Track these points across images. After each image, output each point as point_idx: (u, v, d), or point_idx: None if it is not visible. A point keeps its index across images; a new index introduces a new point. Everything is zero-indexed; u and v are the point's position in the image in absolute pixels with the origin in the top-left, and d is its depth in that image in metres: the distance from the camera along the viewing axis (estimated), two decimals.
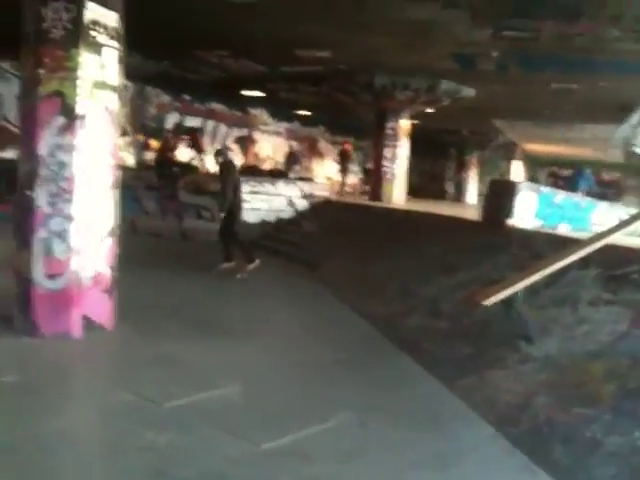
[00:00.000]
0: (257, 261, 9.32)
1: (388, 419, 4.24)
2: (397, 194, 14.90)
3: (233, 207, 9.22)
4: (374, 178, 15.56)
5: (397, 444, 3.91)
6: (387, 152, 14.84)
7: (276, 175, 16.53)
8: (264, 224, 13.17)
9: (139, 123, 17.74)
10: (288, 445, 3.73)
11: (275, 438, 3.75)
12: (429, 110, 15.31)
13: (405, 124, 15.01)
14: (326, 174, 23.81)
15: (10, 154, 15.11)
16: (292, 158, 22.46)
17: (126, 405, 4.12)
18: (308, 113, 21.13)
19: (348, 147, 21.01)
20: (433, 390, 4.97)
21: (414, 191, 18.04)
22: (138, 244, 9.15)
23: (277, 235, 12.66)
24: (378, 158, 15.10)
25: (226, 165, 9.56)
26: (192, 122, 19.45)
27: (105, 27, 5.48)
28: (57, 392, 4.32)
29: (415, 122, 16.31)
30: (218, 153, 10.08)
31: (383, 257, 9.07)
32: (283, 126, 22.99)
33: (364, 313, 7.21)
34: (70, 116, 5.26)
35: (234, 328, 6.46)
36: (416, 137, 16.10)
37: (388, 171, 14.87)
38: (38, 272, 5.30)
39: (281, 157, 22.53)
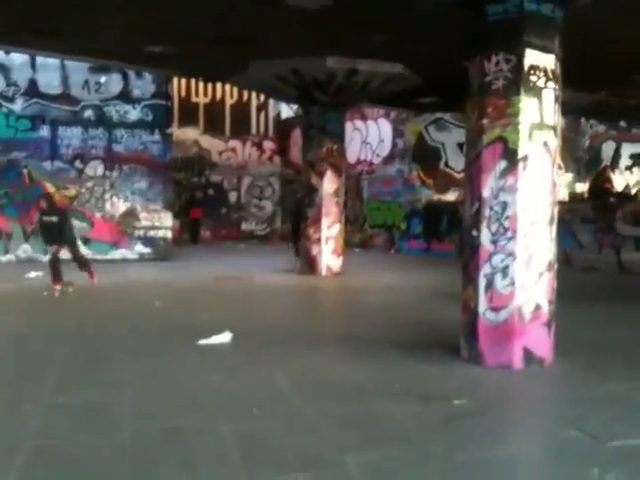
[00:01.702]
0: None
1: None
2: None
3: None
4: None
5: None
6: None
7: None
8: None
9: (572, 156, 17.53)
10: None
11: None
12: None
13: None
14: None
15: (450, 197, 16.61)
16: None
17: (569, 440, 4.11)
18: None
19: None
20: None
21: None
22: (573, 278, 9.04)
23: None
24: None
25: None
26: (630, 149, 18.33)
27: (543, 70, 5.68)
28: (501, 419, 4.56)
29: None
30: None
31: None
32: None
33: None
34: (512, 159, 5.58)
35: None
36: None
37: None
38: (482, 305, 5.72)
39: None
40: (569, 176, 17.43)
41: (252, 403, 4.76)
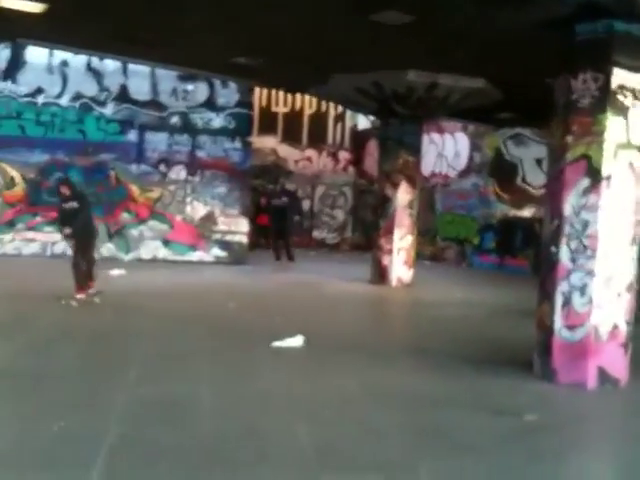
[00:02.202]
0: None
1: None
2: None
3: None
4: None
5: None
6: None
7: None
8: None
9: None
10: None
11: None
12: None
13: None
14: None
15: (526, 213, 16.36)
16: None
17: None
18: None
19: None
20: None
21: None
22: None
23: None
24: None
25: None
26: None
27: (631, 90, 5.64)
28: (573, 436, 4.57)
29: None
30: None
31: None
32: None
33: None
34: (595, 177, 5.56)
35: None
36: None
37: None
38: (558, 323, 5.70)
39: None
40: None
41: (325, 407, 4.92)
